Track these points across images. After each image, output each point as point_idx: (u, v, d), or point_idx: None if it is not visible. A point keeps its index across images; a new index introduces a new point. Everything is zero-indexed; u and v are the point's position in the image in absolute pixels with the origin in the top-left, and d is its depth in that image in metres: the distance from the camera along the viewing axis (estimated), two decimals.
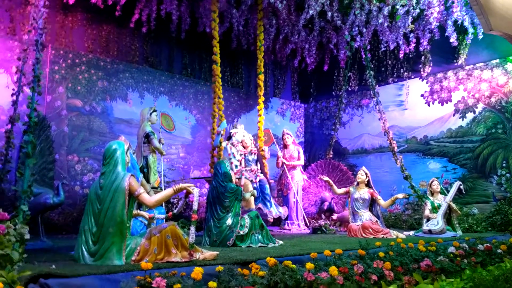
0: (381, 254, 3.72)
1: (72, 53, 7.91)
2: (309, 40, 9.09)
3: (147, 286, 2.33)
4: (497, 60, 8.33)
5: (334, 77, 10.94)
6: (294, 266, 3.06)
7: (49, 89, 7.55)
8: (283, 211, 6.74)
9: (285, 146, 8.14)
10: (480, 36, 7.94)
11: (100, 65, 8.25)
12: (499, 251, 4.84)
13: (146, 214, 3.86)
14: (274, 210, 6.64)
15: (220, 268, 2.89)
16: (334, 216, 7.92)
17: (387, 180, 9.83)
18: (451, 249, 4.26)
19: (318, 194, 8.93)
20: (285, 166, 7.92)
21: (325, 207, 8.70)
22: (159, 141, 6.31)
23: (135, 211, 3.84)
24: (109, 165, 3.51)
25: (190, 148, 9.33)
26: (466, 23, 7.68)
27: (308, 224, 7.51)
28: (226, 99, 10.20)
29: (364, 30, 8.16)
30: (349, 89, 10.78)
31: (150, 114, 6.07)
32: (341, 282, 2.93)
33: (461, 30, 8.23)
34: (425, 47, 8.71)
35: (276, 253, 4.06)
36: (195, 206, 3.48)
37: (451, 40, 8.27)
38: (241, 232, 4.90)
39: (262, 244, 4.94)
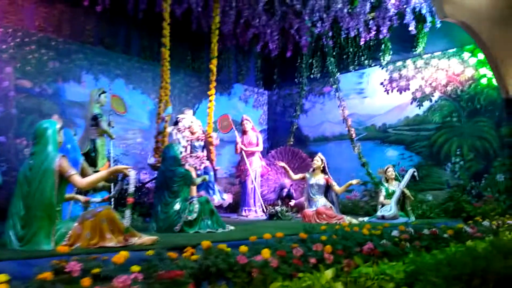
0: (324, 237, 3.69)
1: (22, 31, 7.53)
2: (270, 25, 8.98)
3: (61, 271, 2.19)
4: (454, 49, 8.44)
5: (297, 64, 10.87)
6: (229, 249, 2.98)
7: None
8: (226, 197, 6.69)
9: (244, 132, 8.04)
10: (438, 25, 8.03)
11: (51, 45, 7.89)
12: (445, 235, 4.91)
13: (81, 197, 3.69)
14: (217, 197, 6.58)
15: (150, 252, 2.78)
16: (292, 202, 7.91)
17: (347, 167, 9.86)
18: (395, 232, 4.28)
19: (277, 180, 8.89)
20: (243, 152, 7.83)
21: (284, 194, 8.68)
22: (109, 124, 6.11)
23: (69, 194, 3.67)
24: (39, 145, 3.32)
25: (147, 134, 9.08)
26: (424, 11, 7.74)
27: (265, 211, 7.47)
28: (187, 84, 10.04)
29: (325, 15, 8.09)
30: (312, 76, 10.74)
31: (99, 95, 5.85)
32: (276, 265, 2.86)
33: (420, 18, 8.29)
34: (385, 35, 8.75)
35: (220, 238, 3.99)
36: (131, 189, 3.35)
37: (410, 28, 8.34)
38: (190, 218, 4.79)
39: (210, 230, 4.85)
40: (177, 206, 4.78)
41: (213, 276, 2.74)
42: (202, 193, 6.28)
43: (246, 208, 7.72)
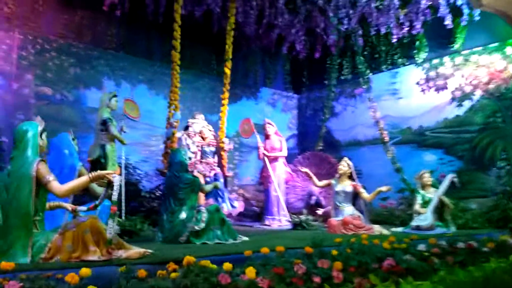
0: (335, 252, 3.22)
1: (42, 38, 7.50)
2: (294, 24, 8.56)
3: None
4: (496, 44, 7.71)
5: (327, 65, 10.37)
6: (214, 266, 2.59)
7: (16, 76, 7.16)
8: (237, 205, 6.30)
9: (266, 137, 7.63)
10: (477, 18, 7.36)
11: (72, 51, 7.83)
12: (485, 249, 4.30)
13: (68, 205, 3.42)
14: (227, 206, 6.21)
15: (122, 269, 2.44)
16: (320, 211, 7.42)
17: (381, 174, 9.22)
18: (421, 246, 3.73)
19: (305, 188, 8.42)
20: (265, 158, 7.42)
21: (312, 202, 8.19)
22: (121, 129, 5.89)
23: (55, 202, 3.41)
24: (18, 149, 3.07)
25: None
26: (460, 2, 7.10)
27: (290, 220, 7.02)
28: (212, 89, 9.76)
29: (351, 11, 7.60)
30: (342, 77, 10.21)
31: (110, 99, 5.63)
32: (265, 285, 2.44)
33: (456, 11, 7.63)
34: (419, 30, 8.13)
35: (222, 250, 3.61)
36: (114, 197, 3.02)
37: (446, 23, 7.70)
38: (197, 228, 4.43)
39: (219, 241, 4.47)
40: (183, 215, 4.45)
41: None
42: (211, 201, 5.94)
43: (269, 217, 7.28)
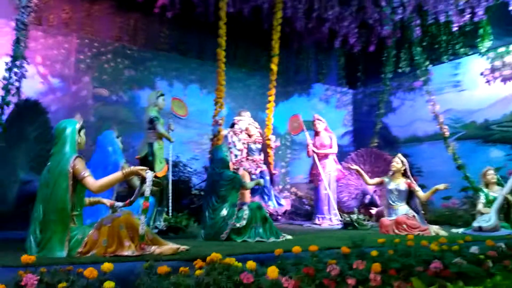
0: (374, 253, 3.01)
1: (98, 42, 7.83)
2: (346, 17, 8.27)
3: (18, 283, 1.91)
4: None
5: (383, 58, 9.93)
6: (239, 264, 2.50)
7: (74, 79, 7.52)
8: (284, 204, 6.14)
9: (316, 133, 7.42)
10: None
11: (127, 53, 8.11)
12: None
13: (107, 201, 3.48)
14: (273, 204, 6.06)
15: (146, 265, 2.42)
16: (373, 210, 7.11)
17: (443, 171, 8.68)
18: (474, 248, 3.41)
19: (359, 186, 8.11)
20: (315, 155, 7.22)
21: (367, 201, 7.88)
22: (169, 127, 5.96)
23: (95, 198, 3.48)
24: (57, 146, 3.17)
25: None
26: None
27: (341, 219, 6.78)
28: (263, 86, 9.66)
29: (406, 0, 7.20)
30: (400, 71, 9.73)
31: (157, 98, 5.71)
32: (291, 286, 2.31)
33: None
34: (481, 17, 7.54)
35: (257, 249, 3.52)
36: (147, 193, 3.03)
37: (511, 8, 7.08)
38: (238, 225, 4.38)
39: (260, 239, 4.38)
40: (224, 212, 4.40)
41: None
42: (256, 198, 5.85)
43: (319, 215, 7.07)
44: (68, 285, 1.99)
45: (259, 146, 6.51)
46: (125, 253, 3.00)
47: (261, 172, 6.28)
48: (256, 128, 6.57)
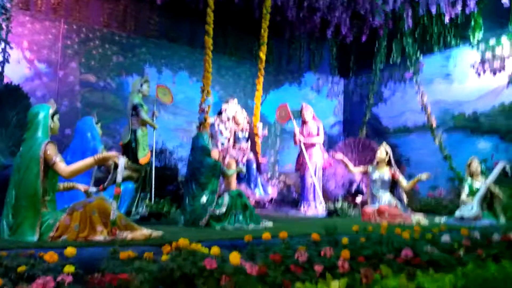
0: (345, 240, 3.03)
1: (86, 27, 7.77)
2: (337, 7, 8.21)
3: None
4: None
5: (375, 49, 9.90)
6: (206, 250, 2.51)
7: (61, 64, 7.48)
8: (271, 192, 6.13)
9: (304, 122, 7.42)
10: None
11: (115, 39, 8.06)
12: None
13: (81, 186, 3.48)
14: (259, 191, 6.05)
15: (112, 250, 2.42)
16: (358, 199, 7.14)
17: (431, 161, 8.75)
18: (445, 237, 3.43)
19: (346, 175, 8.14)
20: (302, 144, 7.22)
21: (353, 189, 7.92)
22: (153, 114, 5.96)
23: (69, 183, 3.47)
24: (30, 131, 3.14)
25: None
26: None
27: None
28: (253, 75, 9.62)
29: None
30: (391, 61, 9.71)
31: (141, 85, 5.70)
32: (254, 272, 2.32)
33: None
34: (472, 9, 7.51)
35: (233, 235, 3.53)
36: (119, 179, 3.02)
37: (503, 0, 7.05)
38: (217, 212, 4.38)
39: (240, 226, 4.39)
40: (203, 199, 4.41)
41: (179, 283, 2.29)
42: (243, 187, 5.86)
43: (305, 203, 7.10)
44: (28, 268, 1.98)
45: (246, 134, 6.49)
46: (97, 238, 3.01)
47: (247, 160, 6.26)
48: (244, 116, 6.54)
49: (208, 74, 6.16)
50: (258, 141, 6.80)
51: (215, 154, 5.72)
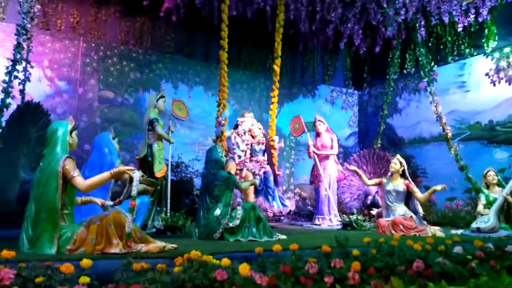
0: (356, 252, 3.05)
1: (104, 45, 7.99)
2: (350, 18, 8.28)
3: None
4: None
5: (389, 59, 9.91)
6: (216, 261, 2.57)
7: (80, 81, 7.69)
8: (289, 204, 6.13)
9: (317, 135, 7.46)
10: None
11: (132, 56, 8.26)
12: None
13: (98, 200, 3.59)
14: (277, 204, 6.06)
15: (125, 262, 2.50)
16: (374, 211, 7.10)
17: (448, 172, 8.65)
18: (457, 249, 3.42)
19: (361, 187, 8.12)
20: (316, 156, 7.26)
21: (369, 202, 7.89)
22: (169, 129, 6.08)
23: (87, 197, 3.59)
24: (49, 147, 3.28)
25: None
26: None
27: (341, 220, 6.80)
28: (268, 88, 9.75)
29: (408, 1, 7.19)
30: (405, 71, 9.71)
31: (157, 100, 5.84)
32: (264, 283, 2.37)
33: None
34: (485, 17, 7.50)
35: (245, 248, 3.58)
36: (134, 192, 3.12)
37: None
38: (231, 224, 4.45)
39: (253, 238, 4.44)
40: (217, 212, 4.48)
41: None
42: (261, 199, 5.90)
43: (319, 216, 7.11)
44: (45, 279, 2.07)
45: (263, 147, 6.52)
46: (113, 250, 3.10)
47: (264, 172, 6.27)
48: (259, 129, 6.59)
49: (224, 87, 6.24)
50: (275, 153, 6.84)
51: (232, 166, 5.79)
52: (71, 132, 3.38)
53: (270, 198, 6.15)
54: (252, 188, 5.81)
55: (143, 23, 8.58)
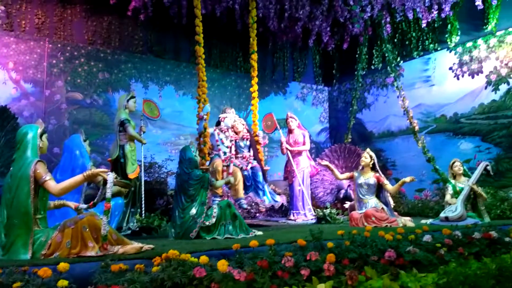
0: (330, 244, 3.14)
1: (71, 45, 7.84)
2: (317, 16, 8.41)
3: None
4: None
5: (357, 55, 10.11)
6: (195, 260, 2.60)
7: (47, 83, 7.52)
8: (279, 199, 6.10)
9: (289, 131, 7.55)
10: None
11: (100, 56, 8.13)
12: (507, 239, 4.04)
13: (71, 204, 3.55)
14: (268, 199, 6.02)
15: (103, 264, 2.50)
16: (346, 205, 7.25)
17: (416, 164, 8.93)
18: (427, 237, 3.56)
19: (334, 181, 8.27)
20: (289, 152, 7.35)
21: (341, 196, 8.04)
22: (140, 129, 6.04)
23: (60, 201, 3.54)
24: (19, 151, 3.23)
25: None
26: None
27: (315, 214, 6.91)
28: (239, 86, 9.81)
29: None
30: (373, 67, 9.93)
31: (127, 101, 5.79)
32: (242, 278, 2.42)
33: None
34: (447, 13, 7.75)
35: (222, 245, 3.61)
36: (108, 194, 3.10)
37: (477, 3, 7.29)
38: (207, 223, 4.47)
39: (230, 236, 4.48)
40: (193, 211, 4.49)
41: None
42: (251, 194, 5.86)
43: (294, 211, 7.21)
44: (23, 284, 2.06)
45: (247, 142, 6.40)
46: (89, 253, 3.08)
47: (252, 168, 6.17)
48: (243, 124, 6.47)
49: (203, 82, 6.14)
50: (260, 149, 6.76)
51: (218, 163, 5.76)
52: (41, 136, 3.33)
53: (260, 193, 6.06)
54: (241, 184, 5.78)
55: (111, 23, 8.45)
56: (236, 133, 6.41)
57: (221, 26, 9.06)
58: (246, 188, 6.04)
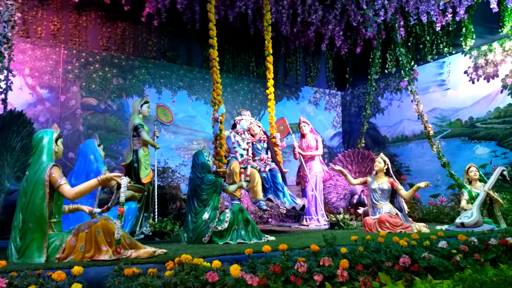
0: (344, 250, 3.11)
1: (86, 52, 7.94)
2: (330, 20, 8.39)
3: None
4: None
5: (370, 59, 10.05)
6: (207, 264, 2.60)
7: (62, 89, 7.62)
8: (300, 202, 5.98)
9: (302, 136, 7.53)
10: None
11: (114, 62, 8.22)
12: None
13: (85, 208, 3.57)
14: (288, 201, 5.88)
15: (116, 268, 2.51)
16: (360, 210, 7.19)
17: (430, 169, 8.84)
18: (442, 243, 3.50)
19: (347, 187, 8.21)
20: (301, 157, 7.32)
21: (355, 201, 7.98)
22: (154, 134, 6.07)
23: (74, 205, 3.57)
24: (35, 155, 3.26)
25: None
26: None
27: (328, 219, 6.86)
28: (251, 91, 9.83)
29: (387, 2, 7.32)
30: (386, 71, 9.87)
31: (141, 106, 5.83)
32: (255, 283, 2.41)
33: None
34: (462, 16, 7.67)
35: (234, 250, 3.60)
36: (122, 198, 3.12)
37: (492, 6, 7.20)
38: (220, 228, 4.47)
39: (242, 241, 4.47)
40: (205, 216, 4.49)
41: None
42: (271, 197, 5.78)
43: (307, 216, 7.17)
44: (37, 287, 2.07)
45: (265, 144, 6.29)
46: (102, 257, 3.09)
47: (271, 170, 6.02)
48: (259, 126, 6.37)
49: (218, 85, 6.12)
50: (279, 151, 6.67)
51: (235, 165, 5.71)
52: (56, 140, 3.37)
53: (280, 194, 5.92)
54: (259, 186, 5.72)
55: (125, 29, 8.55)
56: (253, 135, 6.32)
57: (233, 31, 9.12)
58: (265, 190, 5.87)
